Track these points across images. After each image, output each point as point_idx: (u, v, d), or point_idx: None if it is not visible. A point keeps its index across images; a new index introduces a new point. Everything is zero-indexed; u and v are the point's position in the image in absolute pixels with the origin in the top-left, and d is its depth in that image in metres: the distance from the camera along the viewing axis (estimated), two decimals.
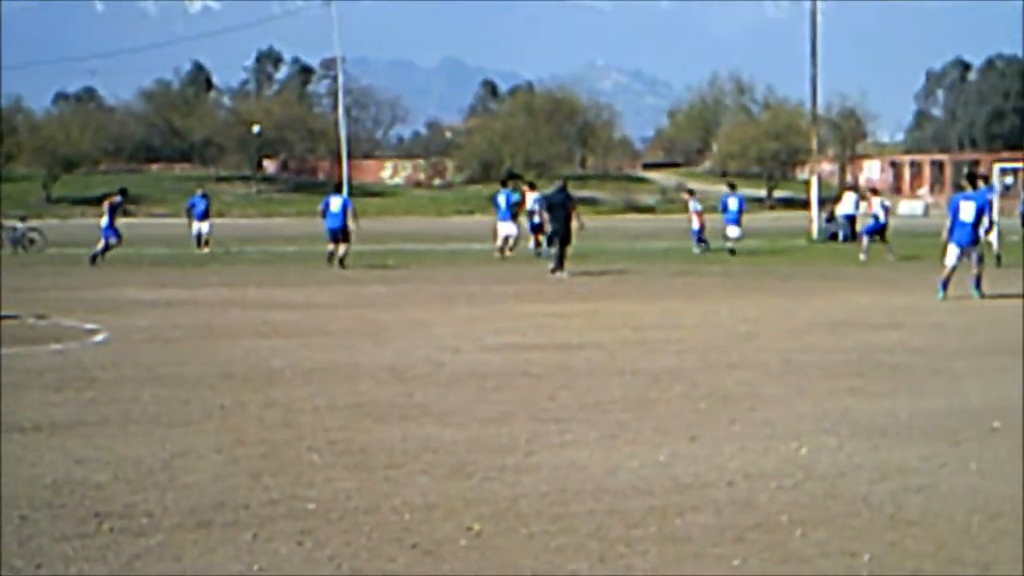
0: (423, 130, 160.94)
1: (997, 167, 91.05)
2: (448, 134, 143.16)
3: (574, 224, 34.13)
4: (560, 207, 34.21)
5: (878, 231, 41.03)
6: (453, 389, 14.54)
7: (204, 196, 49.10)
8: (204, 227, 47.18)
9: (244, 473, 10.25)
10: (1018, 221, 52.27)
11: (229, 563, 7.81)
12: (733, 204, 44.40)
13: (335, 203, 37.44)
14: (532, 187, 43.03)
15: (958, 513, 8.98)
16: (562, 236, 33.69)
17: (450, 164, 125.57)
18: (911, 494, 9.52)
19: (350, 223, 37.40)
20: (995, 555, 8.00)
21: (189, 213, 48.90)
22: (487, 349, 18.33)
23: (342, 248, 37.11)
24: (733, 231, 43.39)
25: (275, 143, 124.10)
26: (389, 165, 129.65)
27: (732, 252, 41.97)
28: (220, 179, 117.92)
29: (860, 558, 7.93)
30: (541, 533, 8.50)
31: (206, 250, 45.31)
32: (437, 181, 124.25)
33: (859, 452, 10.97)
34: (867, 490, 9.62)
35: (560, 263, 33.14)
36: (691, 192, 49.72)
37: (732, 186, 48.59)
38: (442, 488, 9.76)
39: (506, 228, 41.26)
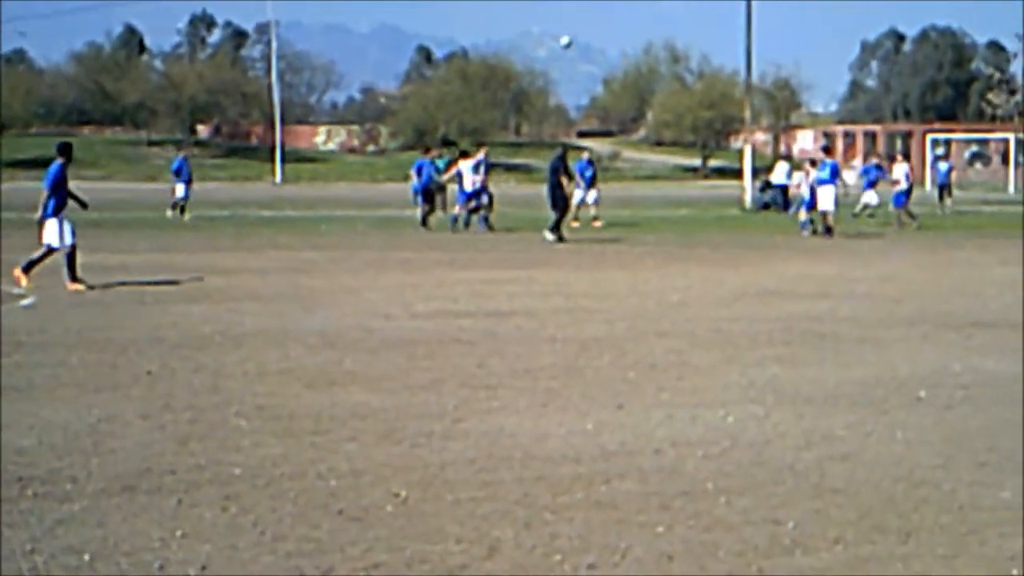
0: (357, 96, 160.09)
1: (930, 138, 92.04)
2: (383, 100, 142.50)
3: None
4: (552, 173, 35.16)
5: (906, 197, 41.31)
6: (383, 356, 14.52)
7: (185, 159, 47.77)
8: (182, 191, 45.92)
9: (170, 439, 10.21)
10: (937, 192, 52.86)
11: (153, 528, 7.77)
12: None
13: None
14: (464, 155, 42.78)
15: (882, 481, 9.05)
16: (555, 202, 34.50)
17: (384, 130, 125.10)
18: (836, 462, 9.59)
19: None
20: (918, 523, 8.07)
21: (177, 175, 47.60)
22: (418, 316, 18.31)
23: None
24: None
25: (208, 107, 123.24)
26: (323, 131, 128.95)
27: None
28: (152, 143, 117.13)
29: (784, 525, 7.98)
30: (468, 500, 8.52)
31: (186, 217, 44.60)
32: (371, 147, 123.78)
33: (785, 420, 11.04)
34: (792, 458, 9.69)
35: (556, 227, 34.02)
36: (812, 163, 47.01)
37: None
38: (370, 454, 9.76)
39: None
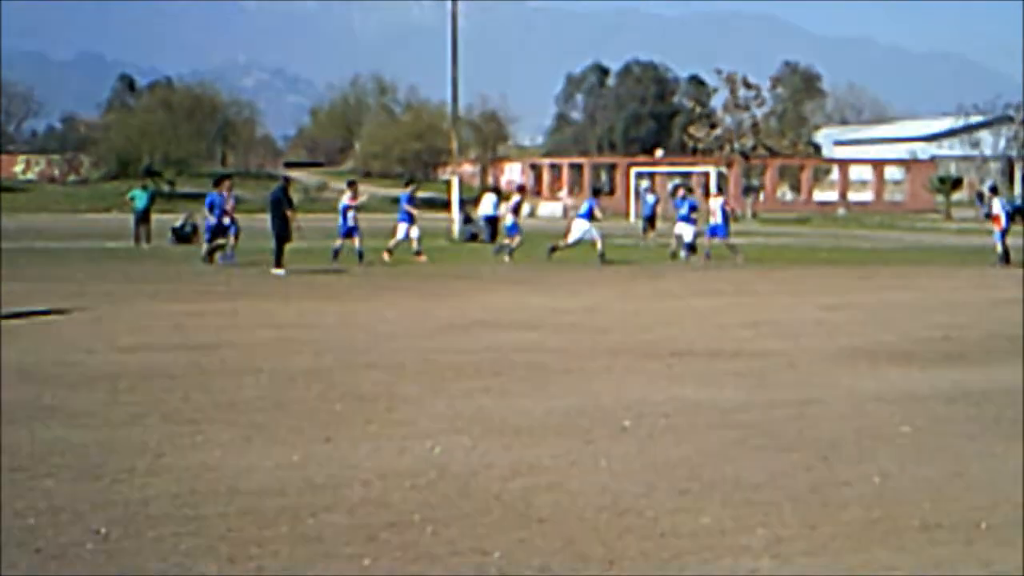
0: (58, 125, 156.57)
1: (634, 171, 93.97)
2: (84, 129, 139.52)
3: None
4: (274, 205, 34.97)
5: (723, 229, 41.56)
6: (84, 390, 14.17)
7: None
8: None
9: None
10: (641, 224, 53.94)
11: None
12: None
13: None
14: (220, 182, 41.50)
15: (587, 510, 9.16)
16: (277, 234, 34.21)
17: (86, 160, 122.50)
18: (542, 492, 9.67)
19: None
20: (621, 550, 8.20)
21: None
22: (121, 349, 17.92)
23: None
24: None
25: None
26: (22, 160, 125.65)
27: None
28: None
29: (490, 555, 8.02)
30: (171, 535, 8.36)
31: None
32: (72, 177, 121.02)
33: (492, 451, 11.10)
34: (499, 488, 9.74)
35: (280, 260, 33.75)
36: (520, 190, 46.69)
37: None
38: (69, 491, 9.51)
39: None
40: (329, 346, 18.48)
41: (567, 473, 10.35)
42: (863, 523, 8.93)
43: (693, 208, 42.45)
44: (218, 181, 40.19)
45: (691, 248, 41.66)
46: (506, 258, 39.31)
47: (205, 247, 38.06)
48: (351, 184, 42.09)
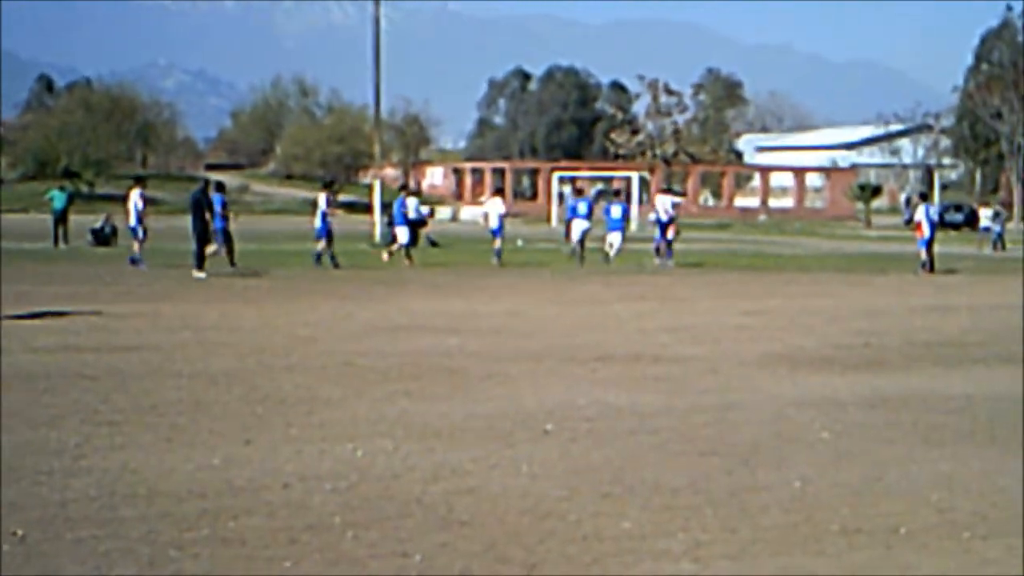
0: None
1: (556, 175, 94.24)
2: (1, 130, 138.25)
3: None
4: (201, 209, 34.57)
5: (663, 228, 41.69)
6: (1, 391, 14.02)
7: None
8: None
9: None
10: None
11: None
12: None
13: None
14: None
15: (508, 514, 9.16)
16: (197, 236, 33.86)
17: (3, 160, 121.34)
18: (463, 495, 9.67)
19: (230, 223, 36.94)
20: (543, 554, 8.21)
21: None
22: (38, 350, 17.76)
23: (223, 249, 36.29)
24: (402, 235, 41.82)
25: None
26: None
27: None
28: None
29: (411, 558, 8.01)
30: (89, 538, 8.30)
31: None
32: None
33: (413, 454, 11.09)
34: (420, 491, 9.73)
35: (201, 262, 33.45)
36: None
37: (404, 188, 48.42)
38: None
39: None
40: (250, 349, 18.39)
41: (488, 477, 10.36)
42: (783, 527, 8.98)
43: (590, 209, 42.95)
44: (215, 184, 39.60)
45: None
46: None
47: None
48: (328, 186, 41.96)
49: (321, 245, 37.99)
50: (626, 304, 27.42)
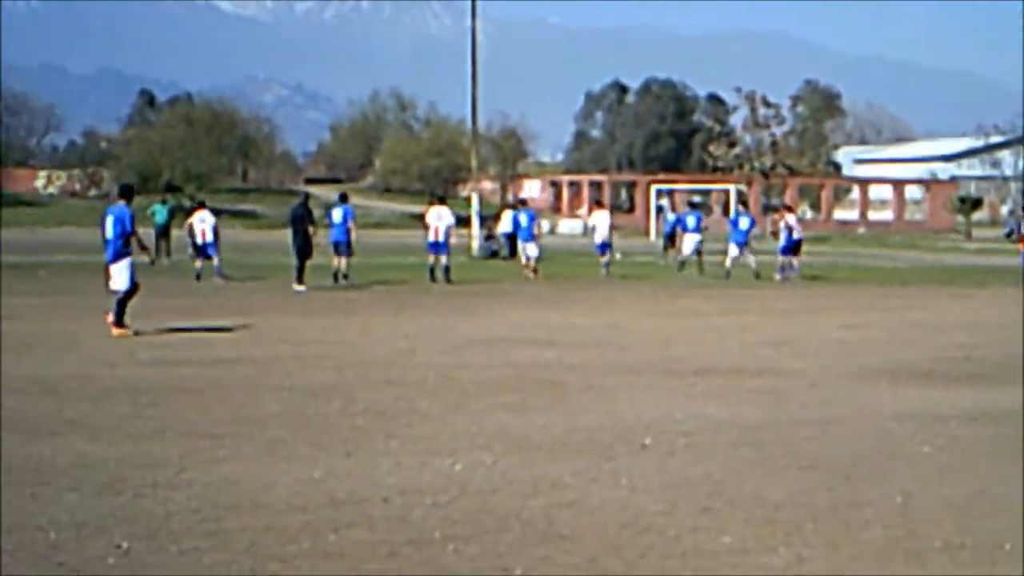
0: (79, 139, 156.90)
1: (654, 188, 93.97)
2: (104, 144, 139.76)
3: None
4: (296, 221, 34.65)
5: (793, 247, 41.46)
6: (105, 404, 14.20)
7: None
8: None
9: None
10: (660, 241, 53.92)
11: None
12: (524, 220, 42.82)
13: (336, 214, 36.01)
14: (202, 206, 41.83)
15: (608, 528, 9.15)
16: (299, 250, 33.95)
17: (107, 174, 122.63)
18: (563, 509, 9.66)
19: (352, 234, 36.22)
20: (642, 569, 8.19)
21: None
22: (142, 363, 17.96)
23: (343, 262, 35.78)
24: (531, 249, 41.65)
25: None
26: (43, 174, 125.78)
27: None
28: None
29: (512, 573, 8.02)
30: (192, 550, 8.37)
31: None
32: (93, 191, 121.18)
33: (513, 467, 11.09)
34: (520, 505, 9.73)
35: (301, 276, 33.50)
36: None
37: (523, 202, 48.31)
38: (91, 505, 9.52)
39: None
40: (350, 362, 18.49)
41: (588, 490, 10.34)
42: (885, 543, 8.91)
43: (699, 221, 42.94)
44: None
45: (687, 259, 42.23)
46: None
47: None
48: (441, 200, 41.45)
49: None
50: (726, 317, 27.30)
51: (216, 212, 41.31)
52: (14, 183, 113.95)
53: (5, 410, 13.66)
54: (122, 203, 23.21)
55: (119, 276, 22.35)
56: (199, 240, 38.09)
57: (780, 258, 41.51)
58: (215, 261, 37.54)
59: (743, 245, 41.36)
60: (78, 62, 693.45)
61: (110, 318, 21.98)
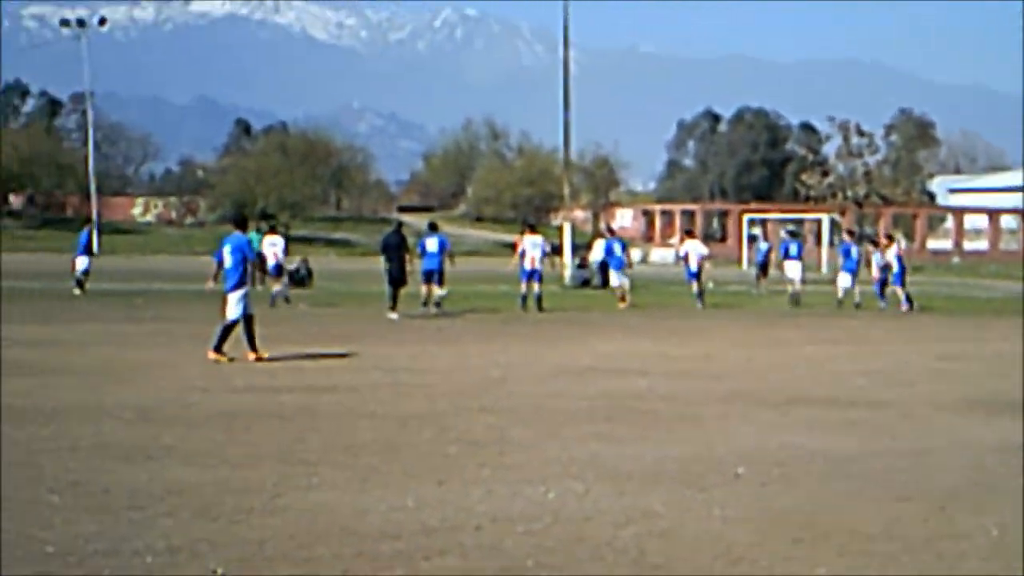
0: (175, 168, 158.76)
1: (746, 217, 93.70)
2: (201, 172, 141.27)
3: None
4: (394, 249, 34.77)
5: (902, 277, 41.22)
6: (200, 430, 14.33)
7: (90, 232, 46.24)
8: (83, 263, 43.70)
9: None
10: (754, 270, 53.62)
11: None
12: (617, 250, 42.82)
13: (431, 243, 36.31)
14: (273, 230, 42.70)
15: (700, 558, 9.12)
16: (393, 278, 34.11)
17: (203, 203, 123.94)
18: (655, 539, 9.64)
19: (446, 264, 36.29)
20: None
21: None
22: (236, 390, 18.12)
23: (437, 291, 35.78)
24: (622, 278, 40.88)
25: (21, 177, 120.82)
26: (140, 202, 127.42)
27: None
28: None
29: None
30: None
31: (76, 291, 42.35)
32: (189, 219, 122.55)
33: (605, 497, 11.08)
34: (612, 535, 9.72)
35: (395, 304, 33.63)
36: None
37: (611, 231, 48.51)
38: (186, 531, 9.61)
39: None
40: (442, 391, 18.55)
41: (680, 520, 10.32)
42: None
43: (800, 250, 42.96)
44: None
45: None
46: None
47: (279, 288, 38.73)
48: (531, 227, 40.94)
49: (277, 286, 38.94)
50: (818, 347, 27.15)
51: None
52: (112, 211, 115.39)
53: (105, 436, 13.83)
54: (238, 232, 23.61)
55: (234, 306, 22.58)
56: (270, 262, 38.80)
57: (899, 290, 40.91)
58: (279, 285, 38.33)
59: (855, 274, 41.14)
60: (176, 92, 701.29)
61: (247, 351, 22.49)
